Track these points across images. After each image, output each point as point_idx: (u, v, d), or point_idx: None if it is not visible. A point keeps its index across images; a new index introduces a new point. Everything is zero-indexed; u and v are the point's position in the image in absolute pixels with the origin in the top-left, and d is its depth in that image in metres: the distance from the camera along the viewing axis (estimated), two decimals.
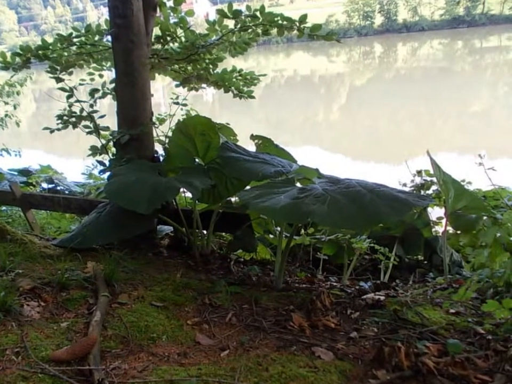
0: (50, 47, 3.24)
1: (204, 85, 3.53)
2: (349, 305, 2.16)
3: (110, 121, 3.21)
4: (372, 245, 3.13)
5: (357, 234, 3.20)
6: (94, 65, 3.50)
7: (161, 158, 3.13)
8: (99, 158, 3.23)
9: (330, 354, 1.69)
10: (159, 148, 3.18)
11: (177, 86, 3.51)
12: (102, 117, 3.23)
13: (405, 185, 3.62)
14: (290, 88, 25.88)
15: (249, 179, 2.72)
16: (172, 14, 3.27)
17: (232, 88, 3.47)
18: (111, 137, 3.09)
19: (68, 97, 3.18)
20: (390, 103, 17.15)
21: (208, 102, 17.32)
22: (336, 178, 2.33)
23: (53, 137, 3.79)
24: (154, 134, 3.16)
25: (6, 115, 6.93)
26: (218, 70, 3.44)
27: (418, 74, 27.05)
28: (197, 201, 2.94)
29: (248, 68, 3.76)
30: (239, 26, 3.00)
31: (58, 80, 3.18)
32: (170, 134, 3.15)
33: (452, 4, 52.79)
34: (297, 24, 2.87)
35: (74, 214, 4.14)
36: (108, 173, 2.96)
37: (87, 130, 3.22)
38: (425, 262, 3.43)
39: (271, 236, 3.31)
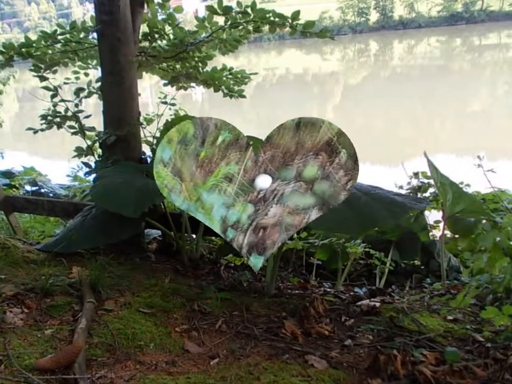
0: (34, 44, 3.18)
1: (193, 84, 3.49)
2: (343, 312, 2.12)
3: (96, 122, 3.16)
4: (367, 249, 3.08)
5: (351, 238, 3.16)
6: (79, 63, 3.44)
7: (149, 160, 3.07)
8: (84, 159, 3.18)
9: (323, 362, 1.65)
10: (146, 149, 3.13)
11: (165, 85, 3.45)
12: (87, 117, 3.17)
13: (401, 187, 3.57)
14: (283, 87, 25.87)
15: None
16: (159, 10, 3.23)
17: (222, 87, 3.43)
18: (97, 138, 3.03)
19: (52, 96, 3.12)
20: (386, 103, 17.09)
21: (198, 102, 17.26)
22: None
23: (37, 138, 3.74)
24: (142, 135, 3.11)
25: None
26: (208, 68, 3.40)
27: (415, 72, 27.07)
28: None
29: (238, 66, 3.73)
30: (229, 23, 2.95)
31: (42, 78, 3.12)
32: (158, 134, 3.11)
33: (450, 0, 52.92)
34: (290, 21, 2.83)
35: (59, 218, 4.06)
36: (93, 175, 2.92)
37: (72, 130, 3.15)
38: (422, 267, 3.39)
39: None
